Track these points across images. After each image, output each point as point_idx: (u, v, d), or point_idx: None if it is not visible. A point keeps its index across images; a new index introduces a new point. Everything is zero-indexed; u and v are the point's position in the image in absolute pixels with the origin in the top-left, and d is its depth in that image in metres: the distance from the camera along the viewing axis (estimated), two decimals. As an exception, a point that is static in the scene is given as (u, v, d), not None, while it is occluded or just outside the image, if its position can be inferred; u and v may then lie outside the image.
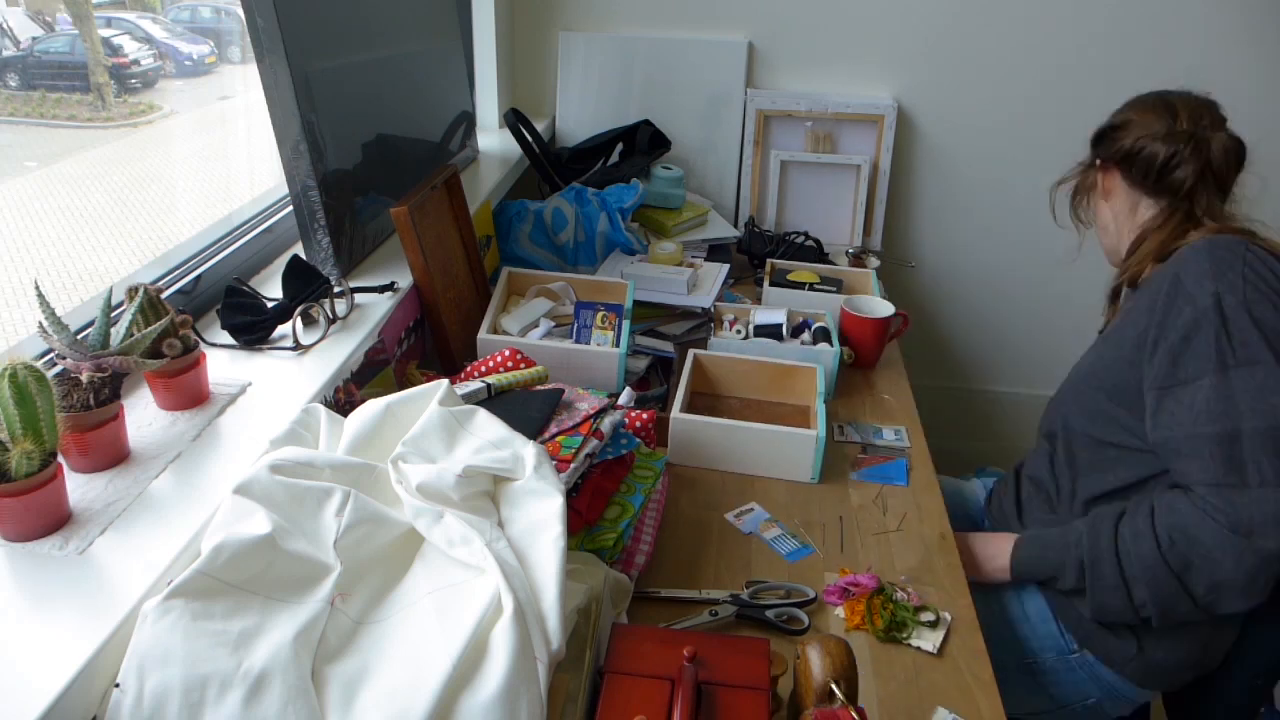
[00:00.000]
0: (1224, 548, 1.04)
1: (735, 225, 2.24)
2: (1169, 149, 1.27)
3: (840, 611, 1.10)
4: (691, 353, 1.50)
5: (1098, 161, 1.37)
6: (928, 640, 1.07)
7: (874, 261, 1.90)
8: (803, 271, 1.84)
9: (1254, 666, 1.25)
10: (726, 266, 1.82)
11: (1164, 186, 1.28)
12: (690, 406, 1.40)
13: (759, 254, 2.01)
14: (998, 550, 1.31)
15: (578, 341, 1.50)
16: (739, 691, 0.81)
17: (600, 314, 1.53)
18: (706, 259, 1.95)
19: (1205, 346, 1.09)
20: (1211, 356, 1.09)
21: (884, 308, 1.68)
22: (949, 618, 1.10)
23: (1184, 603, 1.10)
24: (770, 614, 1.08)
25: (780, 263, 1.91)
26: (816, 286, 1.81)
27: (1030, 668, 1.27)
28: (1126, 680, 1.23)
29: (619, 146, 2.21)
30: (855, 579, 1.13)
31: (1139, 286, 1.26)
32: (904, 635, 1.07)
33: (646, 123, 2.21)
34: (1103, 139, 1.37)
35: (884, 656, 1.05)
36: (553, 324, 1.54)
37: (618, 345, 1.48)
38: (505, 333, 1.50)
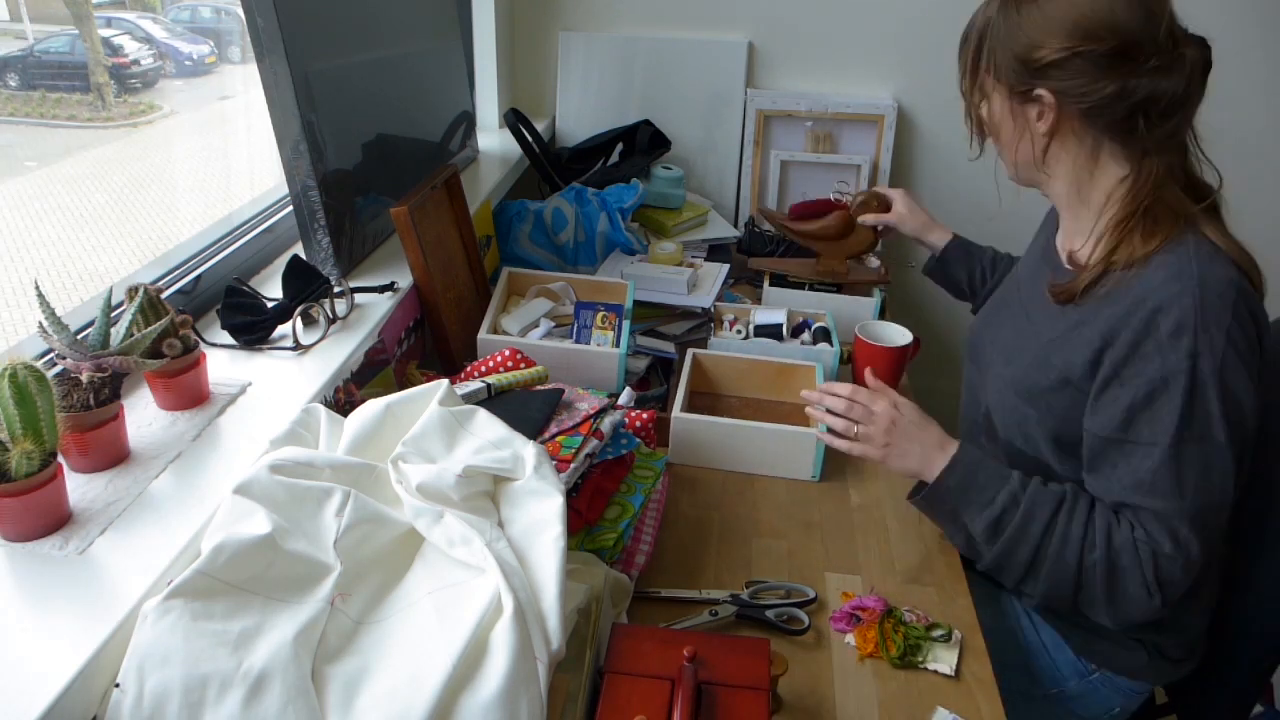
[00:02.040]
0: (1138, 601, 1.03)
1: (735, 225, 2.23)
2: (1175, 80, 1.02)
3: (851, 639, 1.07)
4: (691, 352, 1.50)
5: (1038, 90, 1.08)
6: (944, 662, 1.04)
7: (873, 261, 1.90)
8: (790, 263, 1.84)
9: (1255, 650, 1.25)
10: (726, 266, 1.82)
11: (1146, 136, 1.05)
12: (690, 406, 1.40)
13: (759, 254, 2.01)
14: (931, 447, 1.15)
15: (578, 341, 1.50)
16: (739, 691, 0.81)
17: (600, 314, 1.53)
18: (706, 259, 1.95)
19: (1167, 413, 1.00)
20: (1171, 427, 0.99)
21: (901, 335, 1.56)
22: (960, 635, 1.08)
23: (1064, 606, 1.09)
24: (770, 614, 1.08)
25: (766, 261, 1.90)
26: (817, 286, 1.81)
27: (1057, 697, 1.23)
28: (1144, 681, 1.22)
29: (619, 146, 2.21)
30: (861, 602, 1.10)
31: (1093, 289, 1.09)
32: (920, 659, 1.05)
33: (646, 123, 2.21)
34: (1037, 60, 1.06)
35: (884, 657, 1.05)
36: (553, 324, 1.54)
37: (618, 345, 1.48)
38: (505, 333, 1.50)
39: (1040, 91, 1.08)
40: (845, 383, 1.25)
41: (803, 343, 1.59)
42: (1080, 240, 1.15)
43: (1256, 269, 1.07)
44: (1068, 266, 1.17)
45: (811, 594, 1.11)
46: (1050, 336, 1.14)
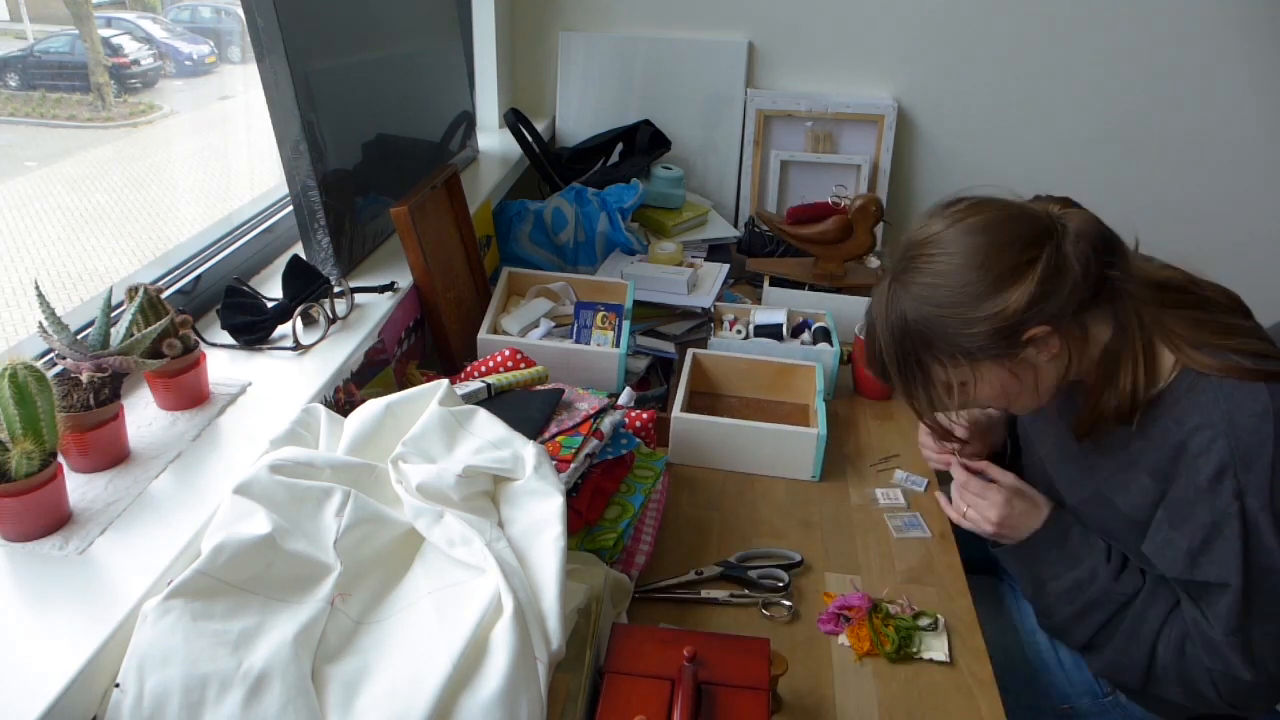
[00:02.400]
0: (1211, 704, 1.04)
1: (735, 225, 2.24)
2: (1078, 253, 1.00)
3: (844, 640, 1.07)
4: (691, 352, 1.50)
5: (1030, 333, 1.01)
6: (937, 650, 1.06)
7: (873, 261, 1.90)
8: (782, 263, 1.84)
9: None
10: (726, 266, 1.82)
11: (1107, 296, 1.03)
12: (690, 406, 1.40)
13: (759, 254, 2.01)
14: (1034, 509, 1.16)
15: (578, 342, 1.50)
16: (739, 692, 0.81)
17: (600, 314, 1.53)
18: (706, 259, 1.95)
19: (1228, 554, 0.98)
20: (1236, 565, 0.98)
21: None
22: (943, 619, 1.10)
23: (1129, 685, 1.12)
24: (753, 574, 1.14)
25: (764, 262, 1.90)
26: (816, 286, 1.81)
27: (1068, 713, 1.22)
28: (1157, 715, 1.21)
29: (619, 146, 2.21)
30: (846, 601, 1.10)
31: (1119, 425, 1.07)
32: (914, 650, 1.06)
33: (646, 123, 2.21)
34: (1005, 328, 1.01)
35: (885, 660, 1.05)
36: (553, 324, 1.54)
37: (618, 345, 1.48)
38: (505, 333, 1.50)
39: (1033, 333, 1.01)
40: (964, 468, 1.23)
41: (803, 343, 1.59)
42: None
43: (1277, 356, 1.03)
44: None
45: (797, 557, 1.17)
46: (1104, 476, 1.11)
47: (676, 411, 1.35)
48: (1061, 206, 1.06)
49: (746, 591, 1.12)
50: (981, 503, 1.17)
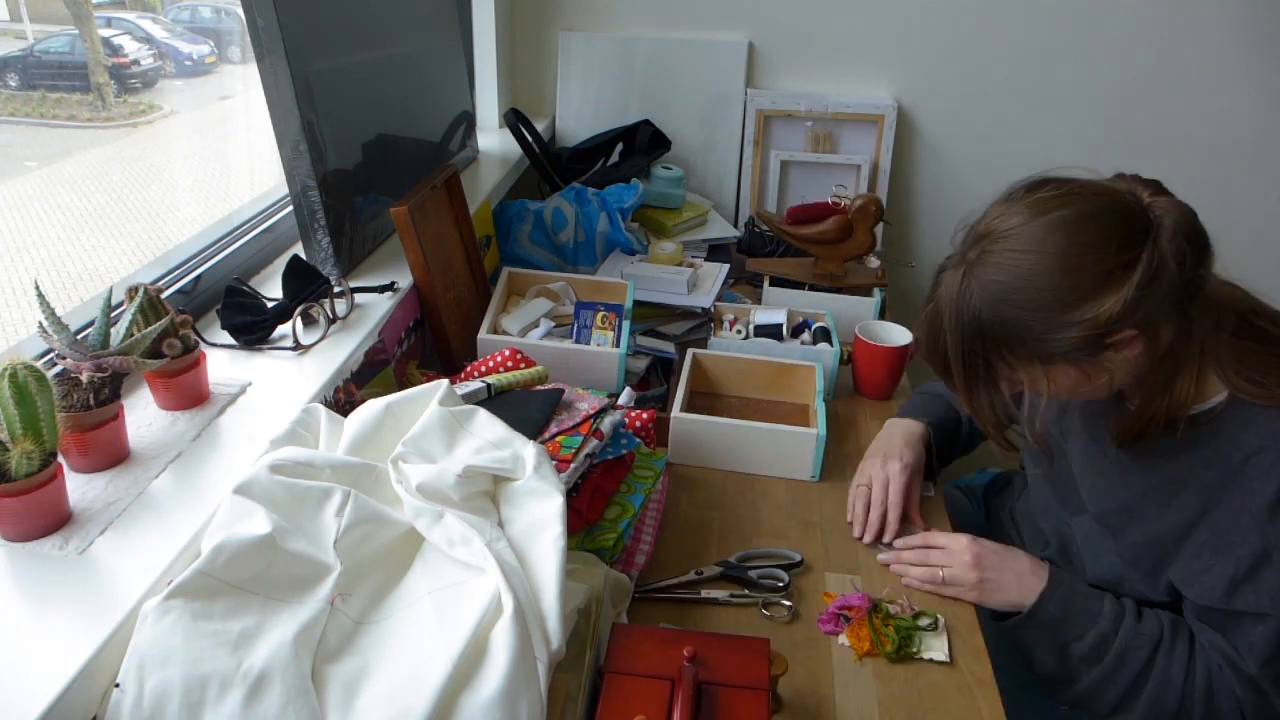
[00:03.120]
0: None
1: (735, 225, 2.24)
2: (1175, 251, 0.92)
3: (844, 640, 1.07)
4: (690, 352, 1.50)
5: (1117, 336, 0.94)
6: (938, 650, 1.06)
7: (873, 261, 1.90)
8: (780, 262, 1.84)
9: None
10: (726, 266, 1.82)
11: (1189, 297, 0.95)
12: (690, 406, 1.40)
13: (759, 254, 2.01)
14: (1025, 575, 1.11)
15: (578, 342, 1.50)
16: (739, 692, 0.81)
17: (600, 314, 1.53)
18: (706, 259, 1.95)
19: (1275, 584, 0.94)
20: (1278, 595, 0.95)
21: (901, 335, 1.58)
22: (942, 618, 1.10)
23: None
24: (753, 574, 1.14)
25: (764, 262, 1.91)
26: (816, 286, 1.81)
27: (1067, 714, 1.20)
28: None
29: (619, 146, 2.21)
30: (846, 601, 1.10)
31: (1165, 437, 1.02)
32: (914, 650, 1.06)
33: (646, 123, 2.21)
34: (1095, 335, 0.94)
35: (885, 660, 1.05)
36: (553, 324, 1.54)
37: (618, 345, 1.48)
38: (505, 333, 1.50)
39: (1120, 337, 0.94)
40: (911, 535, 1.21)
41: (803, 343, 1.59)
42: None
43: None
44: (1129, 406, 1.08)
45: (797, 557, 1.16)
46: (1141, 486, 1.07)
47: (676, 411, 1.35)
48: (1152, 193, 0.96)
49: (746, 591, 1.12)
50: (948, 558, 1.14)
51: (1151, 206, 0.94)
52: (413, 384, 1.19)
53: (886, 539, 1.23)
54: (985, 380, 1.02)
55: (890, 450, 1.30)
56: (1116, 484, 1.10)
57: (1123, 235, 0.92)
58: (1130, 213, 0.94)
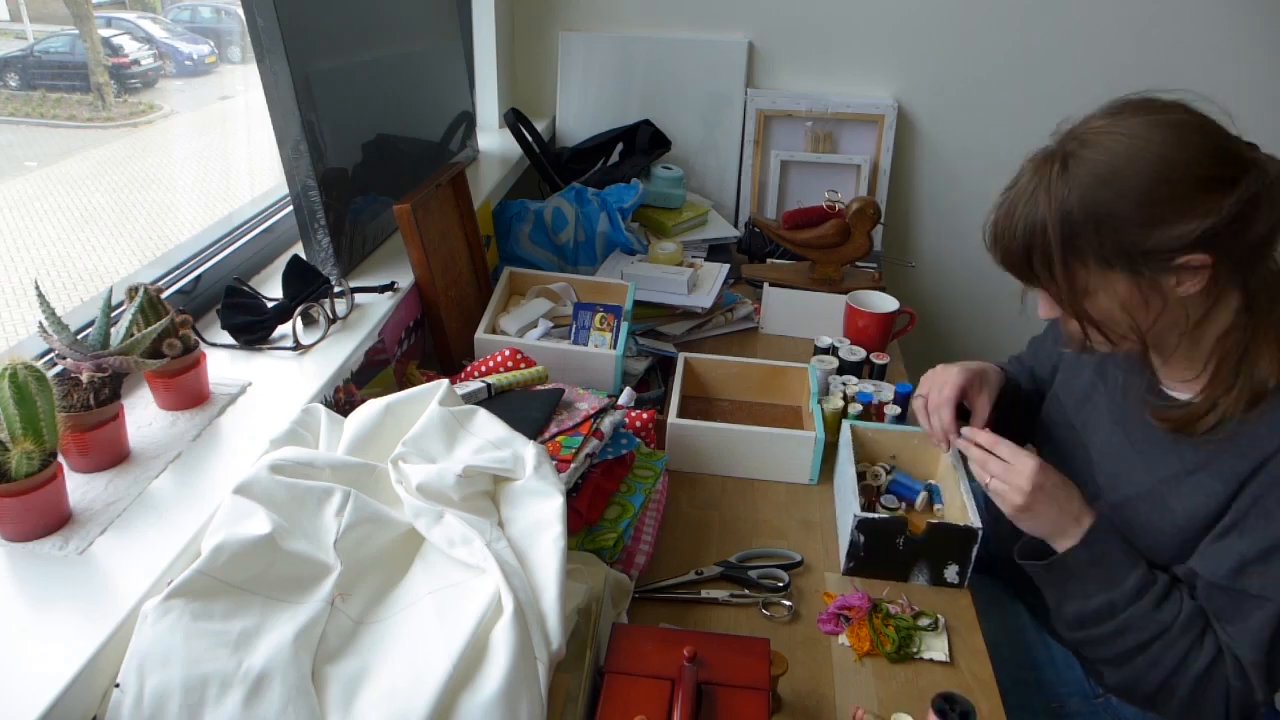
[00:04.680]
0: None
1: (735, 225, 2.24)
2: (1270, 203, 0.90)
3: (844, 640, 1.07)
4: (682, 356, 1.50)
5: (1183, 259, 0.92)
6: (937, 650, 1.06)
7: (869, 265, 1.90)
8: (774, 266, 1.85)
9: None
10: (726, 266, 1.82)
11: (1260, 256, 0.94)
12: (683, 410, 1.39)
13: (759, 254, 2.01)
14: (1069, 519, 1.07)
15: (575, 343, 1.50)
16: (739, 692, 0.81)
17: (599, 315, 1.52)
18: (707, 259, 1.95)
19: None
20: None
21: (889, 303, 1.68)
22: (943, 619, 1.10)
23: (1132, 699, 1.10)
24: (753, 574, 1.14)
25: (761, 268, 1.91)
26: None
27: (1057, 711, 1.20)
28: (1148, 715, 1.21)
29: (619, 146, 2.21)
30: (846, 601, 1.10)
31: (1213, 431, 0.99)
32: (914, 650, 1.06)
33: (647, 122, 2.21)
34: (1177, 240, 0.91)
35: (885, 660, 1.05)
36: (551, 324, 1.54)
37: (615, 347, 1.48)
38: (503, 332, 1.50)
39: (1192, 258, 0.91)
40: (988, 433, 1.15)
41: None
42: (1188, 370, 1.04)
43: None
44: (1175, 395, 1.06)
45: (798, 557, 1.16)
46: (1164, 475, 1.05)
47: (672, 417, 1.34)
48: (1248, 145, 0.95)
49: (746, 591, 1.12)
50: (1006, 472, 1.08)
51: (1253, 148, 0.94)
52: (413, 384, 1.19)
53: (944, 443, 1.21)
54: (1045, 279, 0.98)
55: (949, 366, 1.28)
56: (1140, 471, 1.08)
57: (1226, 155, 0.91)
58: (1234, 141, 0.93)
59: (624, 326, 1.51)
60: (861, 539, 1.13)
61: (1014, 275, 1.02)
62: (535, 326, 1.52)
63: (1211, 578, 1.00)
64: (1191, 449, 1.02)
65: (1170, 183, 0.90)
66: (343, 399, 1.15)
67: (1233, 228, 0.90)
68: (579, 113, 2.32)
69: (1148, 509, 1.07)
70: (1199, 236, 0.90)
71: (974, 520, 1.13)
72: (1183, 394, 1.05)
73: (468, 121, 1.95)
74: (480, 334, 1.45)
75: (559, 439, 1.08)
